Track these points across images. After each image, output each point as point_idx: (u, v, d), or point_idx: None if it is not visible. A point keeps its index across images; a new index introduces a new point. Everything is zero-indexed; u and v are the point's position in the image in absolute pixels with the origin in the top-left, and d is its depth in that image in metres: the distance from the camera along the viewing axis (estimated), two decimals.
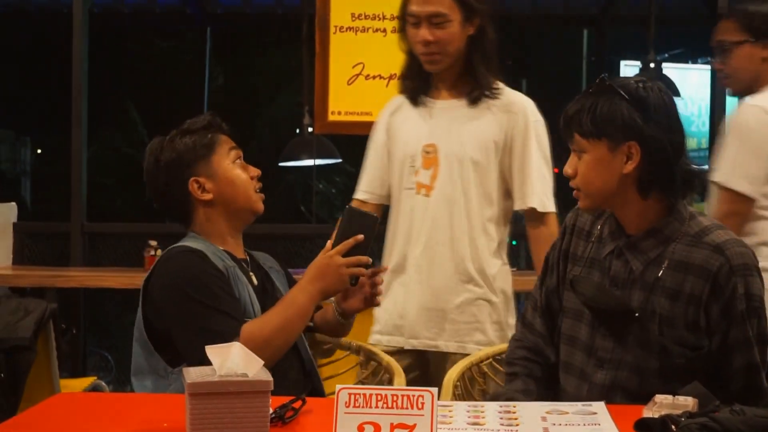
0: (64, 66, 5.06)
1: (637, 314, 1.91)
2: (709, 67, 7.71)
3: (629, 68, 10.34)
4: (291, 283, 2.38)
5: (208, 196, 2.20)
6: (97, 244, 5.09)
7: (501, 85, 2.60)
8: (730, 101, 8.84)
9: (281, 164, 6.75)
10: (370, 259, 2.15)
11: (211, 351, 1.59)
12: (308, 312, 2.15)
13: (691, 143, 11.72)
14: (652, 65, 5.65)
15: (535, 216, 2.58)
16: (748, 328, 1.87)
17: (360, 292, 2.24)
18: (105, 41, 9.43)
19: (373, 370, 2.33)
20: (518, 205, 2.58)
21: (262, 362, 1.60)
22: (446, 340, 2.53)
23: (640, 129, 1.87)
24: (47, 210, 11.19)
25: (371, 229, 2.14)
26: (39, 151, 13.98)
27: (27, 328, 3.13)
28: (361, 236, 2.12)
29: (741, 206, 2.68)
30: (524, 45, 11.57)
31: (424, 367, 2.57)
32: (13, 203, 5.04)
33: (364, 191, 2.70)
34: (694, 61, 12.26)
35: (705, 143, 11.16)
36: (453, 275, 2.53)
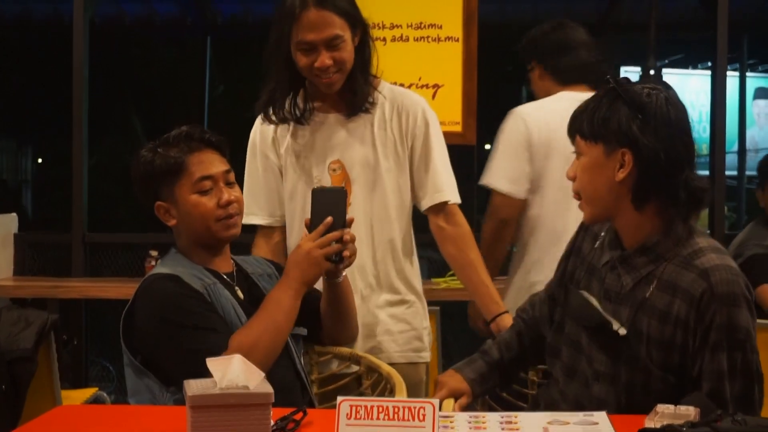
0: (65, 75, 5.06)
1: (622, 332, 1.88)
2: (709, 72, 7.72)
3: (629, 74, 10.31)
4: None
5: (172, 222, 2.18)
6: (99, 254, 5.09)
7: (387, 85, 2.54)
8: (731, 107, 8.84)
9: None
10: (342, 232, 2.12)
11: (212, 363, 1.59)
12: (292, 307, 2.11)
13: None
14: (652, 72, 5.65)
15: (447, 210, 2.53)
16: (723, 360, 1.80)
17: None
18: (106, 50, 9.44)
19: (374, 381, 2.32)
20: (428, 202, 2.52)
21: (263, 374, 1.60)
22: (386, 352, 2.50)
23: (634, 136, 1.84)
24: (48, 219, 11.19)
25: (342, 203, 2.15)
26: (40, 160, 14.00)
27: (28, 340, 3.12)
28: (329, 218, 2.12)
29: (504, 205, 2.85)
30: None
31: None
32: (14, 214, 5.03)
33: (268, 216, 2.57)
34: (695, 67, 12.26)
35: (706, 149, 11.16)
36: (382, 287, 2.50)
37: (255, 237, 2.62)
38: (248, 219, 2.54)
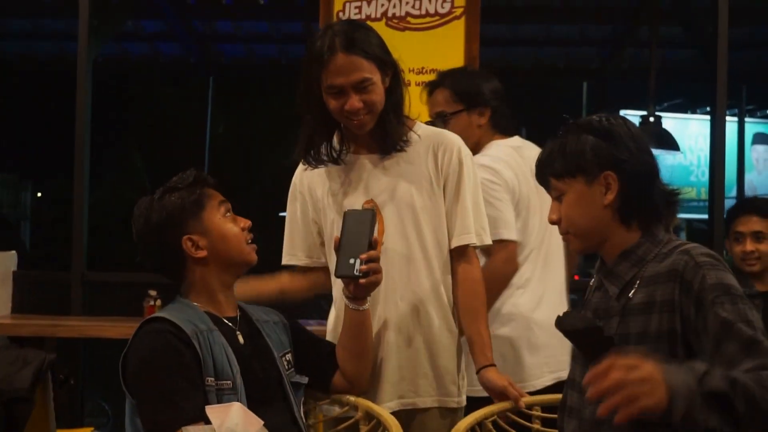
0: (68, 111, 5.10)
1: (609, 337, 1.85)
2: (708, 117, 7.77)
3: (630, 118, 10.42)
4: (296, 334, 2.37)
5: (202, 254, 2.20)
6: (97, 293, 5.08)
7: (422, 125, 2.54)
8: (730, 152, 8.88)
9: (282, 214, 6.76)
10: (372, 253, 2.19)
11: (211, 411, 1.59)
12: None
13: (691, 193, 11.76)
14: (651, 119, 5.70)
15: (467, 253, 2.50)
16: (729, 309, 1.73)
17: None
18: (110, 88, 9.52)
19: (371, 428, 2.31)
20: (454, 242, 2.49)
21: (261, 423, 1.60)
22: (423, 395, 2.46)
23: (612, 157, 1.90)
24: (46, 254, 11.21)
25: (370, 224, 2.21)
26: (39, 194, 14.05)
27: (25, 379, 3.11)
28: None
29: (502, 249, 2.83)
30: (525, 95, 11.67)
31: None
32: (14, 252, 5.02)
33: (306, 257, 2.59)
34: (694, 111, 12.35)
35: (705, 193, 11.21)
36: (419, 328, 2.46)
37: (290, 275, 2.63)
38: (287, 260, 2.60)
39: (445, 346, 2.49)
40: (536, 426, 2.38)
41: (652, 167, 1.94)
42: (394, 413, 2.38)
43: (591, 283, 2.06)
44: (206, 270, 2.22)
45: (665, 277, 1.83)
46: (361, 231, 2.21)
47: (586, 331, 1.89)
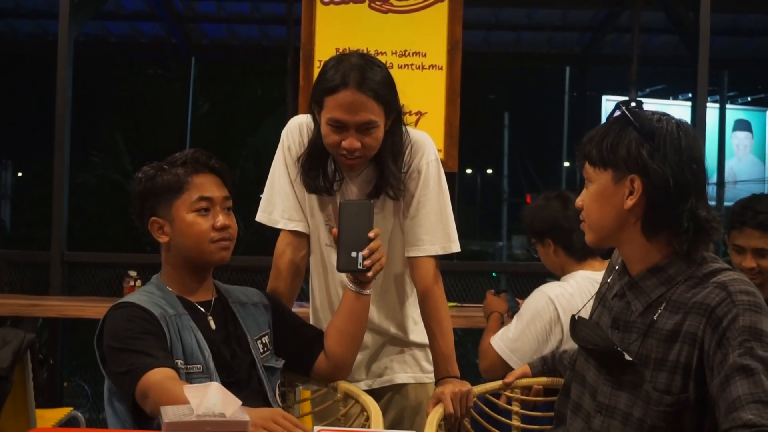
0: (48, 91, 5.07)
1: (630, 359, 1.80)
2: (689, 103, 7.80)
3: (611, 103, 10.49)
4: (277, 315, 2.35)
5: (164, 239, 2.19)
6: (77, 273, 5.07)
7: (407, 133, 2.41)
8: (710, 139, 8.90)
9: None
10: (373, 245, 2.18)
11: (189, 390, 1.59)
12: None
13: None
14: (633, 104, 5.71)
15: (417, 264, 2.43)
16: (751, 360, 1.64)
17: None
18: (91, 68, 9.45)
19: (350, 408, 2.33)
20: (406, 254, 2.44)
21: (240, 402, 1.60)
22: (397, 372, 2.52)
23: (643, 162, 1.77)
24: (27, 234, 11.16)
25: (368, 215, 2.20)
26: (20, 174, 13.98)
27: (4, 359, 3.11)
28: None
29: None
30: (507, 80, 11.68)
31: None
32: None
33: (300, 221, 2.48)
34: (675, 98, 12.40)
35: None
36: (381, 325, 2.51)
37: (287, 240, 2.50)
38: (291, 225, 2.48)
39: (412, 330, 2.55)
40: (515, 408, 2.40)
41: (688, 185, 1.77)
42: (372, 391, 2.43)
43: (608, 281, 1.98)
44: (170, 255, 2.21)
45: (695, 308, 1.74)
46: (359, 223, 2.18)
47: (606, 351, 1.86)
